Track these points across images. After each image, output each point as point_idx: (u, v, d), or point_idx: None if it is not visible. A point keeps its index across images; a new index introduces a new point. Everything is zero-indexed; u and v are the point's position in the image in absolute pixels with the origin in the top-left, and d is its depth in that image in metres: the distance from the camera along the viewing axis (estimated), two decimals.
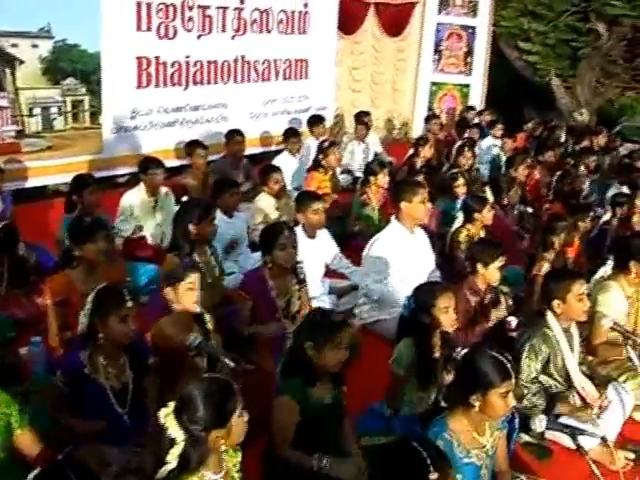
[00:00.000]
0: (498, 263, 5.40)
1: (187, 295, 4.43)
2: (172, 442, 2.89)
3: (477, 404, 3.40)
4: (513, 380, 3.44)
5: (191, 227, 5.43)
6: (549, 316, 4.69)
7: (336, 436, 3.97)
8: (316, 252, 6.28)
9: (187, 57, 9.64)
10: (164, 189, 7.43)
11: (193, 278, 4.45)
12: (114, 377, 3.97)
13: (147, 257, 6.82)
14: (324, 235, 6.54)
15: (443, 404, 3.75)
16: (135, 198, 7.23)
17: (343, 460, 3.79)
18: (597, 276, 6.05)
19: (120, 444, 3.82)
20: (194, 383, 3.01)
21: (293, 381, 3.81)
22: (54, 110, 8.41)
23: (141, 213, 7.19)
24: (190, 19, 9.52)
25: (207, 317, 4.55)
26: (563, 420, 4.34)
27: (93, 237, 5.11)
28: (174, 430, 2.89)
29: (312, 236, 6.29)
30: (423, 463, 2.66)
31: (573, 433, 3.65)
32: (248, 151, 9.54)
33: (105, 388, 3.92)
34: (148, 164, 7.32)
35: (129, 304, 3.93)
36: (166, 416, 2.91)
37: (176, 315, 4.46)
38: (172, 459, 2.88)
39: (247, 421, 3.04)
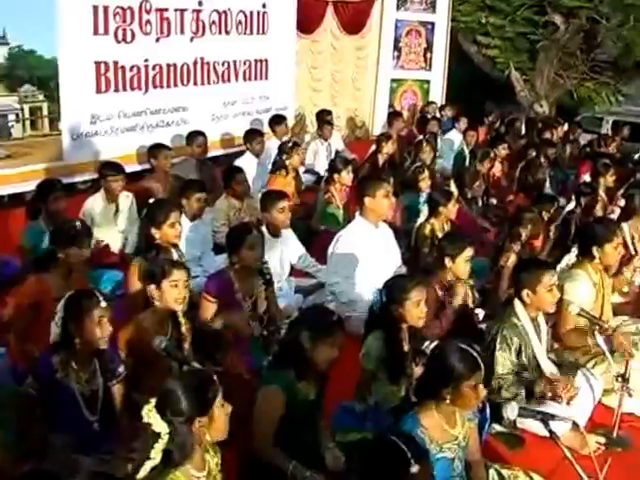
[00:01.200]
0: (466, 255, 5.38)
1: (170, 292, 4.40)
2: (156, 437, 2.89)
3: (448, 397, 3.42)
4: (483, 371, 3.46)
5: (153, 230, 5.37)
6: (517, 306, 4.71)
7: (314, 432, 3.99)
8: (281, 251, 6.27)
9: (146, 61, 9.51)
10: (125, 193, 7.35)
11: (177, 275, 4.42)
12: (85, 383, 3.92)
13: (111, 264, 6.75)
14: (289, 235, 6.53)
15: (413, 399, 3.74)
16: (96, 205, 7.15)
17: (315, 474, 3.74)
18: (562, 265, 6.09)
19: (90, 451, 3.78)
20: (172, 378, 3.05)
21: (283, 372, 3.81)
22: (12, 118, 8.29)
23: (102, 220, 7.11)
24: (148, 22, 9.39)
25: (183, 320, 4.51)
26: (534, 407, 4.36)
27: (80, 242, 5.08)
28: (158, 424, 2.89)
29: (277, 235, 6.28)
30: (404, 457, 2.68)
31: (544, 419, 3.66)
32: (210, 153, 9.47)
33: (75, 394, 3.87)
34: (106, 170, 7.24)
35: (103, 304, 3.87)
36: (149, 412, 2.91)
37: (155, 311, 4.44)
38: (156, 454, 2.88)
39: (229, 413, 3.06)
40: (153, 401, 2.93)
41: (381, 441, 2.84)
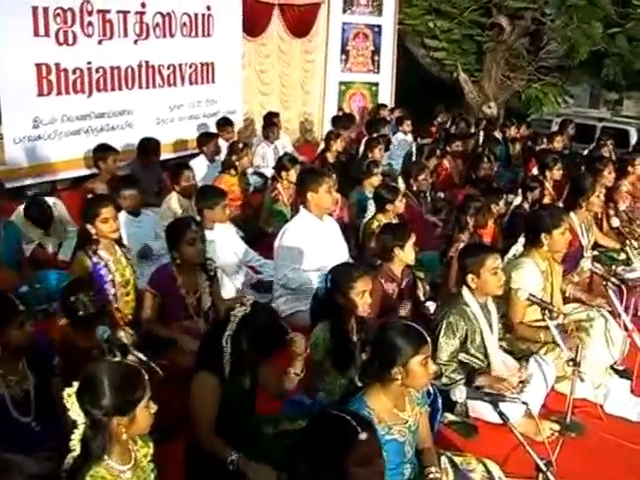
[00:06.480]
0: (411, 241, 5.35)
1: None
2: (74, 425, 2.75)
3: (399, 377, 3.32)
4: (430, 345, 3.38)
5: (88, 226, 5.22)
6: (465, 292, 4.67)
7: (252, 420, 3.87)
8: (234, 241, 6.26)
9: (89, 63, 9.36)
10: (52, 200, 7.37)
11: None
12: (15, 385, 3.77)
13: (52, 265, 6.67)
14: (228, 228, 6.53)
15: (359, 384, 3.63)
16: (17, 219, 7.03)
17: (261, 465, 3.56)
18: (509, 255, 6.06)
19: (31, 453, 3.65)
20: (101, 365, 2.89)
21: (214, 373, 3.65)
22: None
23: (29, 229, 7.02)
24: (90, 24, 9.25)
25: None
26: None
27: None
28: (75, 412, 2.74)
29: (211, 228, 6.24)
30: (349, 426, 2.50)
31: (493, 400, 3.60)
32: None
33: (5, 399, 3.71)
34: None
35: (21, 307, 3.76)
36: (69, 396, 2.75)
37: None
38: (75, 444, 2.75)
39: (154, 413, 2.89)
40: (75, 385, 2.77)
41: (322, 417, 2.66)
